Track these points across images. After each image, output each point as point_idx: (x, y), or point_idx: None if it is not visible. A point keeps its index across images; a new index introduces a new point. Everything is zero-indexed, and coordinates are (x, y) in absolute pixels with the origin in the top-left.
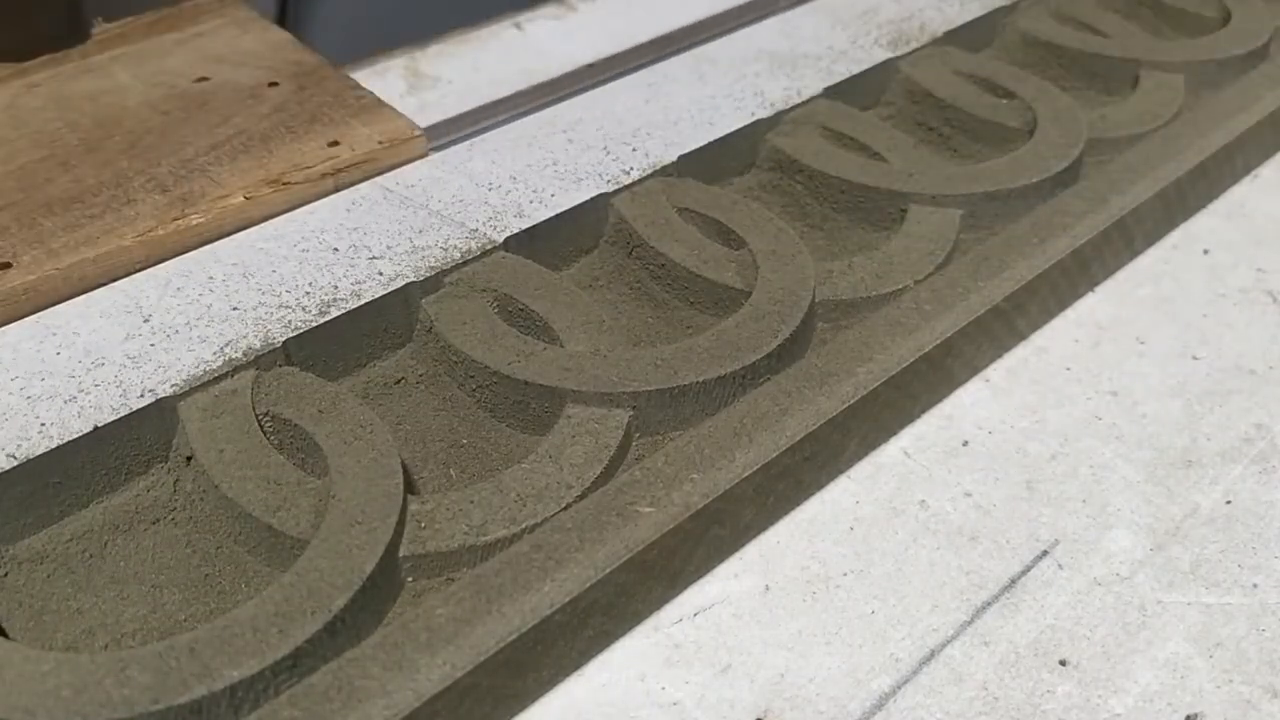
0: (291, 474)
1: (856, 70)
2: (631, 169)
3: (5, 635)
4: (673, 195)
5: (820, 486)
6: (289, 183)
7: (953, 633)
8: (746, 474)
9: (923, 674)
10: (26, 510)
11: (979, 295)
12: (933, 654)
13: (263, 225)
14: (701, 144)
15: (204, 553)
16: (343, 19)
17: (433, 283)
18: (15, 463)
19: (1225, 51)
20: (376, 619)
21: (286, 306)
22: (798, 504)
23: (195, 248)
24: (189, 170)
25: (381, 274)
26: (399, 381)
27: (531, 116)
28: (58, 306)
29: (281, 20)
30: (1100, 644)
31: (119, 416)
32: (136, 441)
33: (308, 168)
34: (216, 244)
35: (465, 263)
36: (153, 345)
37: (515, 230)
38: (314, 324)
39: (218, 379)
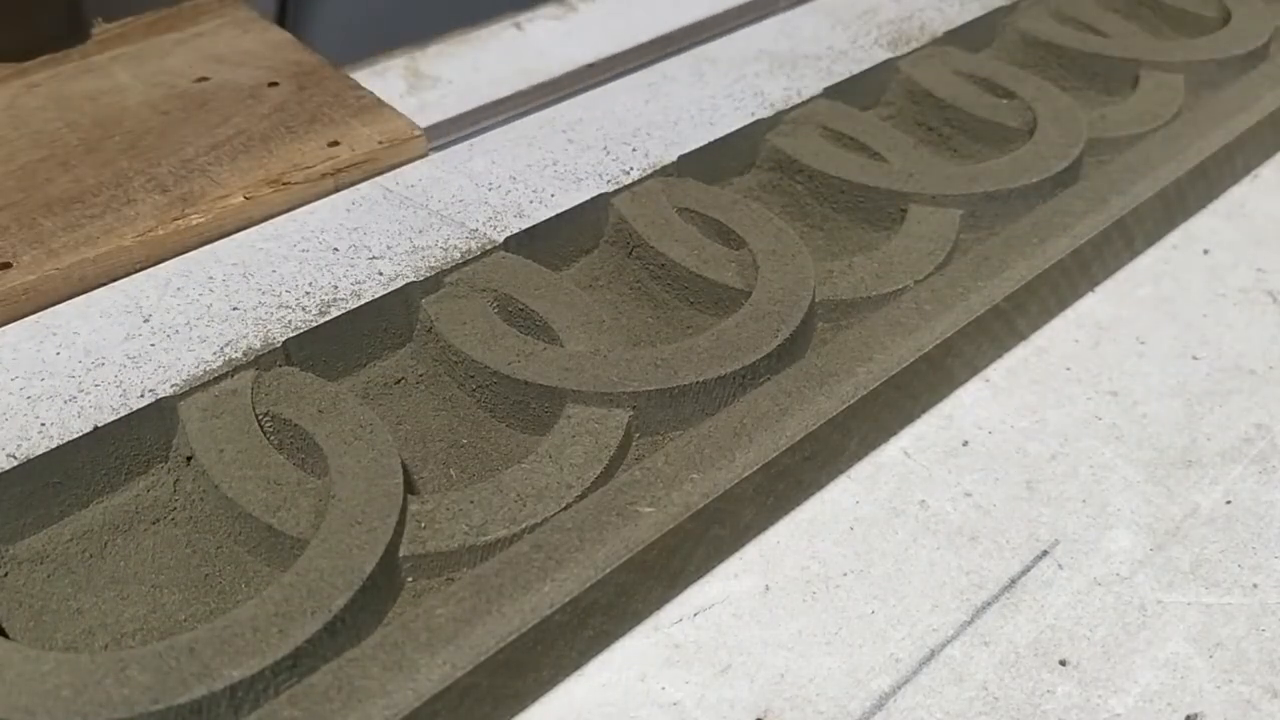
0: (291, 474)
1: (856, 70)
2: (631, 169)
3: (5, 635)
4: (673, 195)
5: (820, 486)
6: (289, 183)
7: (953, 633)
8: (746, 474)
9: (923, 674)
10: (26, 510)
11: (979, 295)
12: (933, 654)
13: (263, 225)
14: (701, 144)
15: (204, 553)
16: (343, 19)
17: (433, 283)
18: (15, 463)
19: (1225, 51)
20: (376, 619)
21: (286, 306)
22: (798, 504)
23: (195, 248)
24: (189, 170)
25: (381, 274)
26: (399, 381)
27: (531, 116)
28: (58, 306)
29: (281, 20)
30: (1100, 644)
31: (119, 416)
32: (136, 441)
33: (308, 168)
34: (216, 244)
35: (465, 263)
36: (153, 345)
37: (515, 230)
38: (314, 324)
39: (218, 379)
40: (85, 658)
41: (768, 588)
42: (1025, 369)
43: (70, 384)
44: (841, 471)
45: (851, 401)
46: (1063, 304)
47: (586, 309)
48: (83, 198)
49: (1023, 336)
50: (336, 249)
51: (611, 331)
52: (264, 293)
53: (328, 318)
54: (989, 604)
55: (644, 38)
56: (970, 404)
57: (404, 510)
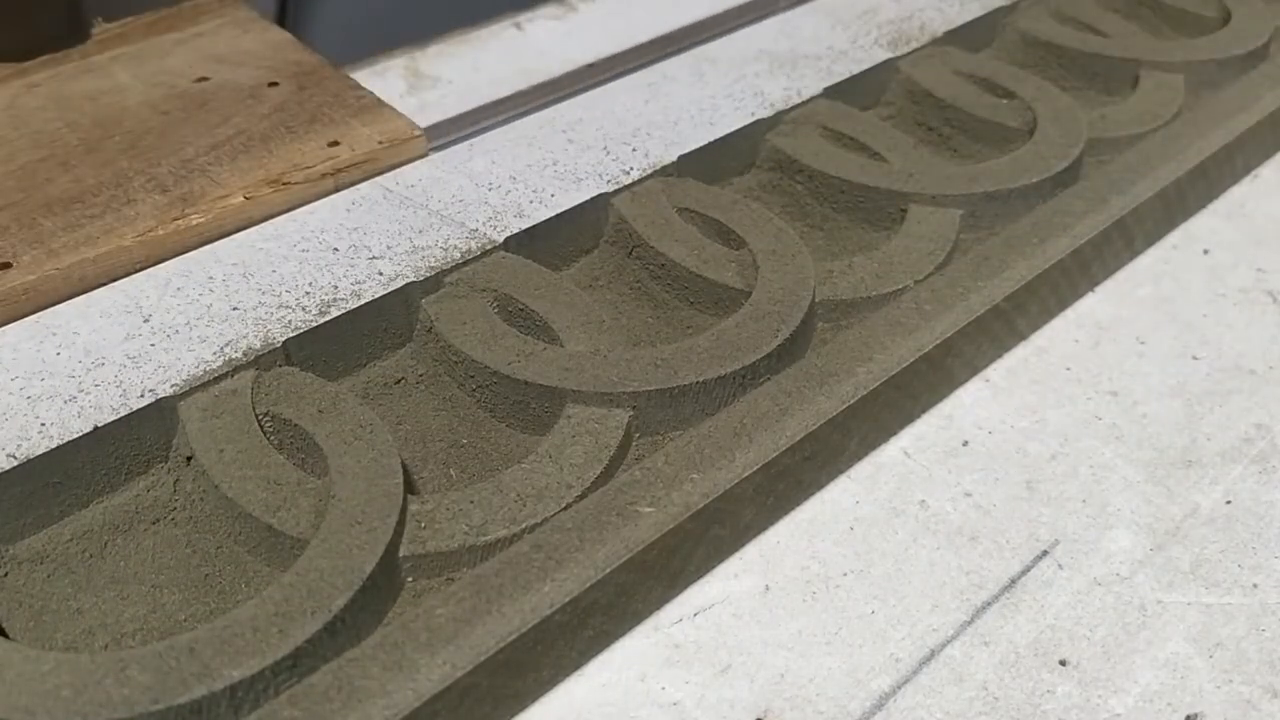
0: (291, 474)
1: (856, 70)
2: (631, 169)
3: (5, 635)
4: (673, 195)
5: (820, 486)
6: (289, 183)
7: (953, 633)
8: (746, 474)
9: (923, 674)
10: (26, 510)
11: (979, 295)
12: (933, 654)
13: (263, 225)
14: (701, 144)
15: (204, 553)
16: (343, 19)
17: (433, 283)
18: (15, 463)
19: (1225, 51)
20: (376, 619)
21: (286, 306)
22: (798, 504)
23: (195, 248)
24: (189, 170)
25: (381, 274)
26: (399, 381)
27: (531, 116)
28: (58, 306)
29: (281, 20)
30: (1100, 644)
31: (119, 416)
32: (136, 441)
33: (308, 168)
34: (216, 244)
35: (465, 263)
36: (153, 345)
37: (515, 230)
38: (314, 324)
39: (218, 379)
40: (85, 658)
41: (768, 588)
42: (1025, 369)
43: (70, 384)
44: (841, 471)
45: (851, 401)
46: (1063, 304)
47: (586, 309)
48: (83, 198)
49: (1023, 336)
50: (336, 249)
51: (611, 331)
52: (264, 293)
53: (328, 318)
54: (989, 604)
55: (644, 38)
56: (970, 404)
57: (404, 510)
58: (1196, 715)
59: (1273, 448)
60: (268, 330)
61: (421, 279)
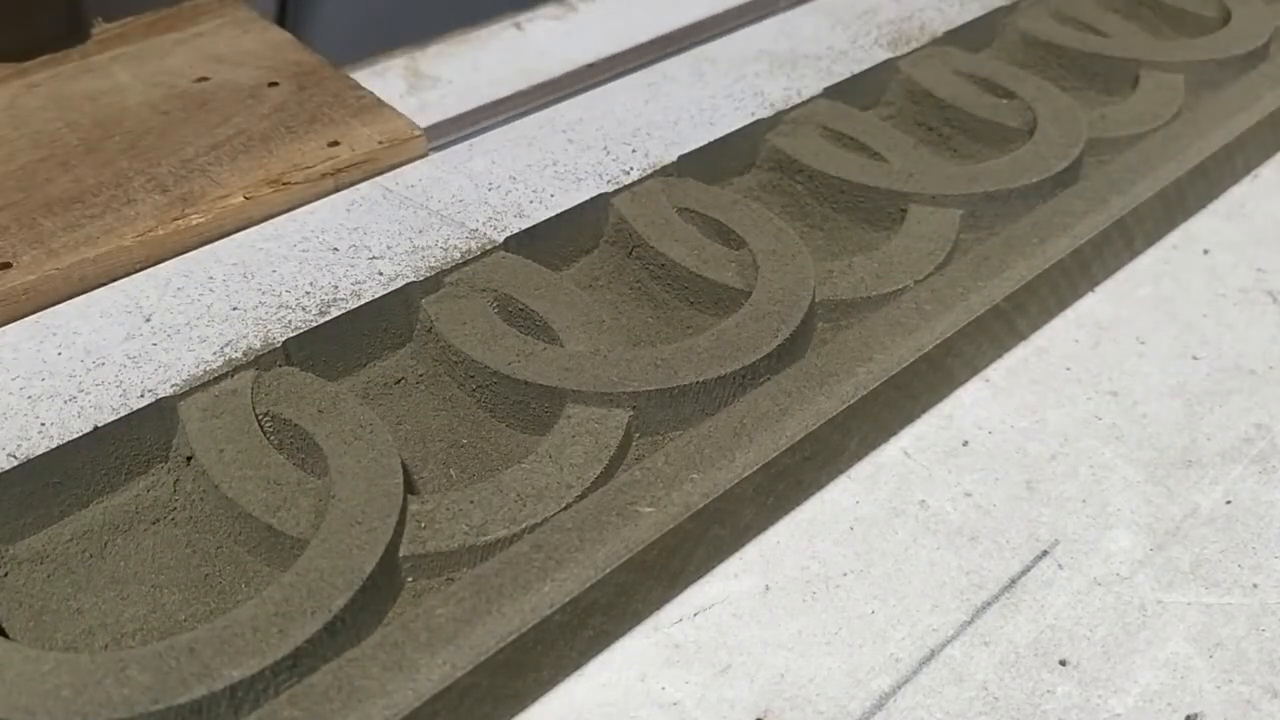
0: (291, 474)
1: (856, 70)
2: (631, 169)
3: (5, 635)
4: (673, 195)
5: (820, 486)
6: (289, 183)
7: (953, 633)
8: (746, 474)
9: (923, 674)
10: (26, 510)
11: (979, 295)
12: (933, 654)
13: (263, 225)
14: (701, 144)
15: (204, 553)
16: (343, 19)
17: (433, 283)
18: (15, 463)
19: (1225, 51)
20: (376, 619)
21: (286, 306)
22: (798, 504)
23: (195, 248)
24: (189, 170)
25: (381, 274)
26: (399, 381)
27: (531, 116)
28: (58, 306)
29: (281, 20)
30: (1100, 644)
31: (119, 416)
32: (136, 441)
33: (308, 168)
34: (216, 244)
35: (465, 263)
36: (153, 345)
37: (515, 230)
38: (314, 324)
39: (218, 379)
40: (85, 658)
41: (768, 588)
42: (1025, 369)
43: (70, 384)
44: (841, 471)
45: (851, 401)
46: (1063, 304)
47: (586, 309)
48: (83, 198)
49: (1023, 336)
50: (336, 249)
51: (611, 331)
52: (264, 293)
53: (328, 318)
54: (989, 604)
55: (644, 38)
56: (970, 404)
57: (404, 510)
58: (1196, 715)
59: (1273, 448)
60: (268, 330)
61: (421, 279)
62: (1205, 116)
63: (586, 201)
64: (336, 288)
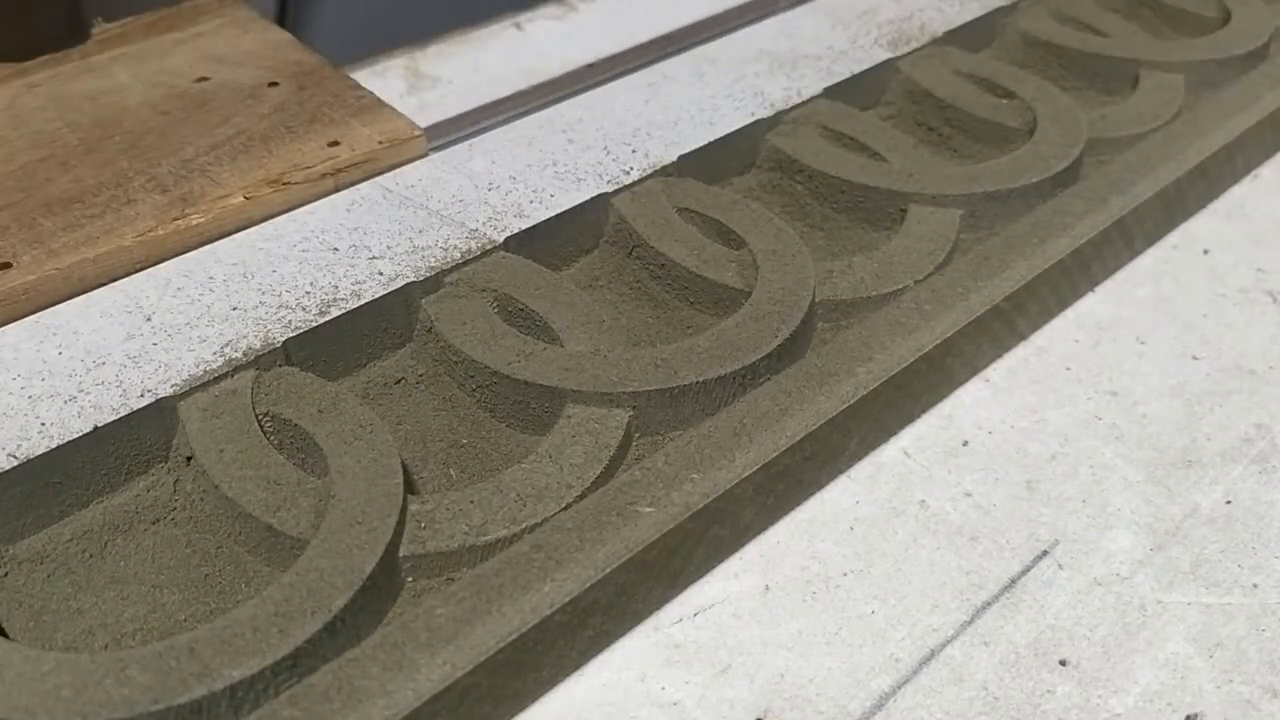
0: (291, 474)
1: (856, 70)
2: (631, 169)
3: (5, 635)
4: (673, 195)
5: (820, 486)
6: (289, 183)
7: (953, 633)
8: (746, 474)
9: (923, 674)
10: (26, 510)
11: (979, 295)
12: (933, 654)
13: (263, 225)
14: (701, 144)
15: (204, 553)
16: (343, 19)
17: (433, 283)
18: (15, 463)
19: (1225, 51)
20: (376, 619)
21: (286, 306)
22: (798, 504)
23: (195, 248)
24: (189, 170)
25: (381, 274)
26: (399, 381)
27: (531, 116)
28: (58, 306)
29: (281, 20)
30: (1100, 644)
31: (119, 416)
32: (136, 441)
33: (308, 168)
34: (216, 244)
35: (465, 263)
36: (153, 345)
37: (515, 230)
38: (314, 324)
39: (218, 379)
40: (85, 658)
41: (768, 588)
42: (1025, 369)
43: (70, 384)
44: (841, 471)
45: (851, 401)
46: (1063, 304)
47: (586, 309)
48: (83, 198)
49: (1023, 336)
50: (336, 249)
51: (611, 331)
52: (264, 293)
53: (328, 318)
54: (989, 604)
55: (644, 38)
56: (970, 404)
57: (404, 510)
58: (1196, 715)
59: (1273, 448)
60: (268, 330)
61: (421, 279)
62: (1205, 116)
63: (586, 201)
64: (336, 288)
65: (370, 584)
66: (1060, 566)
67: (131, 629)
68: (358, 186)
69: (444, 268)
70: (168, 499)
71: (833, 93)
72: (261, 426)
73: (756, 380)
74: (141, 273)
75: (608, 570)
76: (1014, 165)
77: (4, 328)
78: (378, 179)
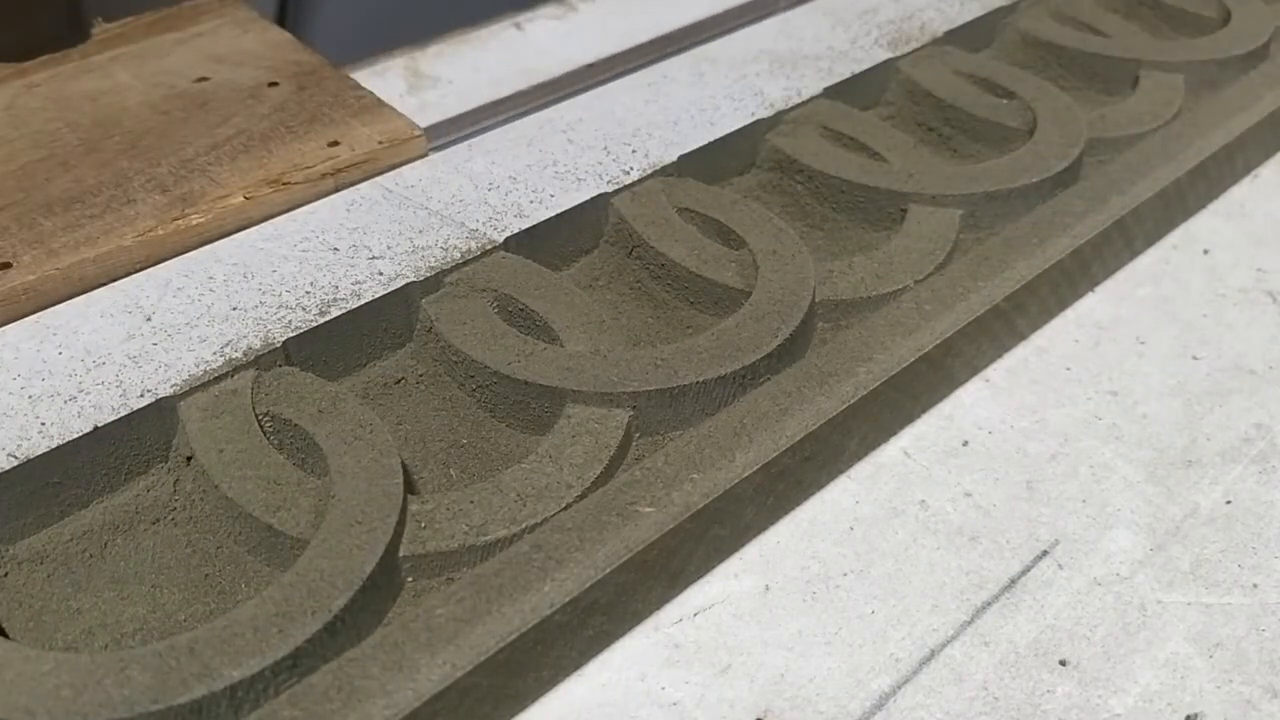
0: (291, 474)
1: (856, 70)
2: (631, 169)
3: (5, 635)
4: (673, 195)
5: (820, 486)
6: (289, 183)
7: (953, 633)
8: (746, 474)
9: (923, 674)
10: (26, 510)
11: (979, 295)
12: (933, 654)
13: (263, 225)
14: (701, 144)
15: (204, 553)
16: (343, 19)
17: (433, 283)
18: (15, 463)
19: (1225, 51)
20: (376, 619)
21: (286, 306)
22: (798, 504)
23: (195, 248)
24: (189, 170)
25: (381, 274)
26: (399, 381)
27: (531, 116)
28: (58, 306)
29: (281, 20)
30: (1100, 644)
31: (119, 416)
32: (136, 441)
33: (308, 168)
34: (216, 244)
35: (465, 263)
36: (153, 345)
37: (515, 230)
38: (314, 324)
39: (218, 379)
40: (85, 658)
41: (768, 588)
42: (1025, 369)
43: (70, 384)
44: (841, 471)
45: (851, 401)
46: (1063, 304)
47: (586, 309)
48: (83, 198)
49: (1023, 336)
50: (336, 249)
51: (611, 331)
52: (264, 293)
53: (328, 318)
54: (989, 604)
55: (644, 38)
56: (970, 404)
57: (404, 510)
58: (1196, 715)
59: (1273, 448)
60: (268, 330)
61: (421, 279)
62: (1205, 116)
63: (586, 201)
64: (336, 288)
65: (370, 584)
66: (1060, 566)
67: (131, 629)
68: (358, 186)
69: (444, 268)
70: (168, 499)
71: (833, 93)
72: (261, 426)
73: (756, 380)
74: (141, 273)
75: (608, 570)
76: (1014, 165)
77: (4, 328)
78: (378, 179)
